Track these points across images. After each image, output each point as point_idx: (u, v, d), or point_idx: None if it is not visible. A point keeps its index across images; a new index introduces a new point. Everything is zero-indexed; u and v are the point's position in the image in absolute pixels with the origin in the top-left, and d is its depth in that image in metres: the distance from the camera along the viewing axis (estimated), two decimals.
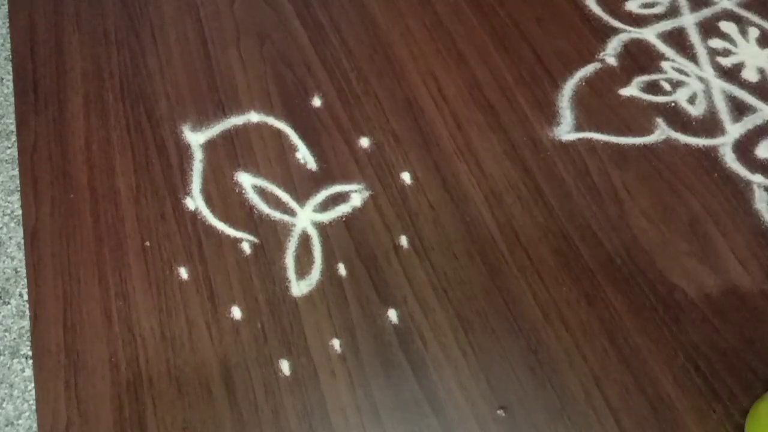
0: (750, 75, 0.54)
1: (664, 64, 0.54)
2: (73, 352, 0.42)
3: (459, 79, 0.54)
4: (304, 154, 0.50)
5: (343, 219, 0.47)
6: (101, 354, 0.42)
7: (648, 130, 0.51)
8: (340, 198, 0.48)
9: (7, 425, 0.40)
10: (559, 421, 0.39)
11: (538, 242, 0.45)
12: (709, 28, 0.57)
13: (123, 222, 0.47)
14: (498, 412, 0.40)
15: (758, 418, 0.37)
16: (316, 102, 0.52)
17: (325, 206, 0.47)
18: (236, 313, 0.43)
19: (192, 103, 0.52)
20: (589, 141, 0.50)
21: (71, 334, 0.42)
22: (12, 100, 0.53)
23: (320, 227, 0.46)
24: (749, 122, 0.51)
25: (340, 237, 0.46)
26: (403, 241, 0.45)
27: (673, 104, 0.52)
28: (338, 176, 0.49)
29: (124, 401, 0.40)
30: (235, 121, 0.52)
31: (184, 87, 0.53)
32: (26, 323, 0.43)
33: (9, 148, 0.51)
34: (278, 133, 0.51)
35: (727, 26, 0.57)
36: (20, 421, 0.40)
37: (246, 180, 0.48)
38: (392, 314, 0.43)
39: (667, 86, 0.53)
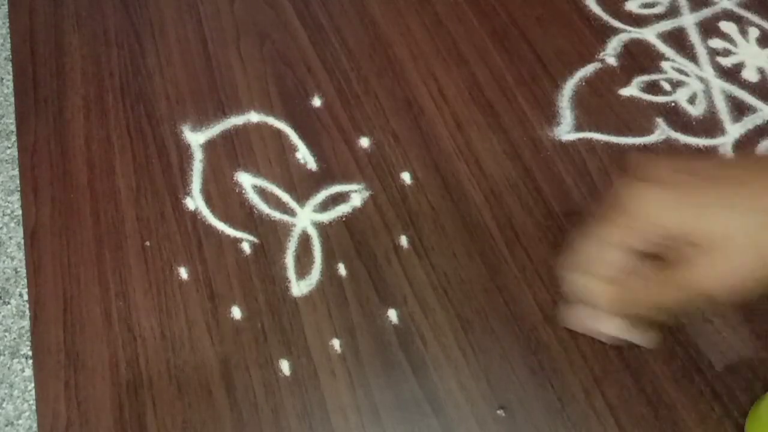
0: (750, 75, 0.54)
1: (664, 64, 0.54)
2: (73, 352, 0.42)
3: (459, 79, 0.54)
4: (304, 154, 0.50)
5: (343, 219, 0.47)
6: (101, 354, 0.42)
7: (648, 130, 0.51)
8: (340, 198, 0.48)
9: (7, 425, 0.40)
10: (559, 421, 0.39)
11: (538, 242, 0.45)
12: (709, 28, 0.57)
13: (123, 222, 0.47)
14: (498, 412, 0.40)
15: (758, 418, 0.37)
16: (316, 102, 0.52)
17: (325, 206, 0.47)
18: (236, 313, 0.43)
19: (192, 103, 0.52)
20: (589, 141, 0.50)
21: (71, 334, 0.42)
22: (12, 100, 0.53)
23: (320, 227, 0.46)
24: (749, 122, 0.51)
25: (340, 237, 0.46)
26: (403, 241, 0.45)
27: (673, 104, 0.52)
28: (338, 176, 0.49)
29: (124, 401, 0.40)
30: (235, 121, 0.52)
31: (184, 87, 0.53)
32: (26, 323, 0.43)
33: (9, 148, 0.51)
34: (278, 133, 0.51)
35: (727, 26, 0.57)
36: (20, 421, 0.40)
37: (246, 180, 0.48)
38: (392, 314, 0.43)
39: (667, 86, 0.53)
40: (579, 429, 0.39)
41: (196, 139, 0.51)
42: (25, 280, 0.45)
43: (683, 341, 0.42)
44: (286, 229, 0.46)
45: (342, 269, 0.44)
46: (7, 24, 0.58)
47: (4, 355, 0.42)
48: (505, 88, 0.53)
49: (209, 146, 0.50)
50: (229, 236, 0.46)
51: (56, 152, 0.50)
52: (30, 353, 0.42)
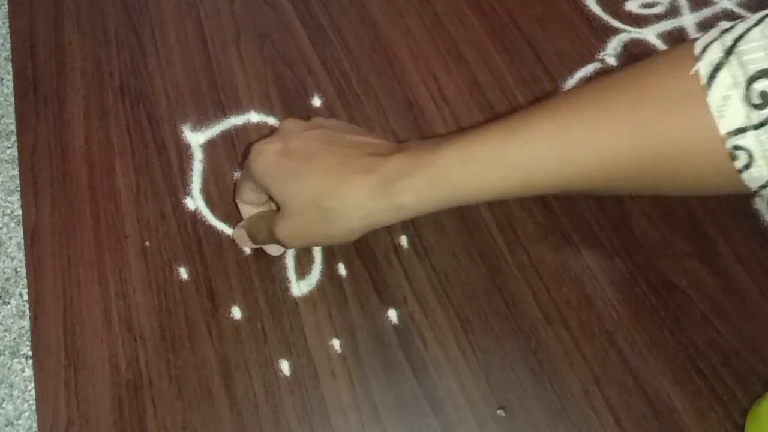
0: None
1: None
2: (73, 352, 0.42)
3: (459, 80, 0.54)
4: None
5: None
6: (101, 354, 0.42)
7: None
8: None
9: (7, 425, 0.40)
10: (559, 421, 0.39)
11: (538, 242, 0.45)
12: (709, 28, 0.57)
13: (123, 222, 0.47)
14: (498, 412, 0.40)
15: (758, 418, 0.37)
16: (316, 102, 0.52)
17: None
18: (236, 313, 0.43)
19: (192, 103, 0.52)
20: None
21: (71, 334, 0.42)
22: (12, 100, 0.53)
23: None
24: None
25: None
26: (403, 241, 0.45)
27: None
28: None
29: (124, 401, 0.40)
30: (235, 121, 0.52)
31: (184, 87, 0.53)
32: (26, 323, 0.43)
33: (9, 148, 0.51)
34: None
35: None
36: (20, 421, 0.40)
37: None
38: (392, 314, 0.43)
39: None
40: (579, 429, 0.39)
41: (196, 139, 0.51)
42: (25, 280, 0.45)
43: (683, 341, 0.42)
44: None
45: (342, 269, 0.44)
46: (7, 24, 0.58)
47: (4, 355, 0.42)
48: (505, 88, 0.53)
49: (209, 146, 0.50)
50: (229, 236, 0.46)
51: (56, 152, 0.50)
52: (30, 353, 0.42)
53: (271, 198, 0.41)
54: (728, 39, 0.31)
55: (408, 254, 0.45)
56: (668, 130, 0.32)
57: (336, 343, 0.42)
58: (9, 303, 0.44)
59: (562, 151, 0.34)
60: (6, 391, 0.41)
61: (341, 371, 0.41)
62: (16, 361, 0.42)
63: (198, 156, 0.50)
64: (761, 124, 0.30)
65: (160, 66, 0.55)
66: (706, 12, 0.58)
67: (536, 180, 0.35)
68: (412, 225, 0.46)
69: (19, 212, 0.48)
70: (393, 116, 0.52)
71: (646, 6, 0.58)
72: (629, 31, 0.57)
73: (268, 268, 0.45)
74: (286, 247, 0.42)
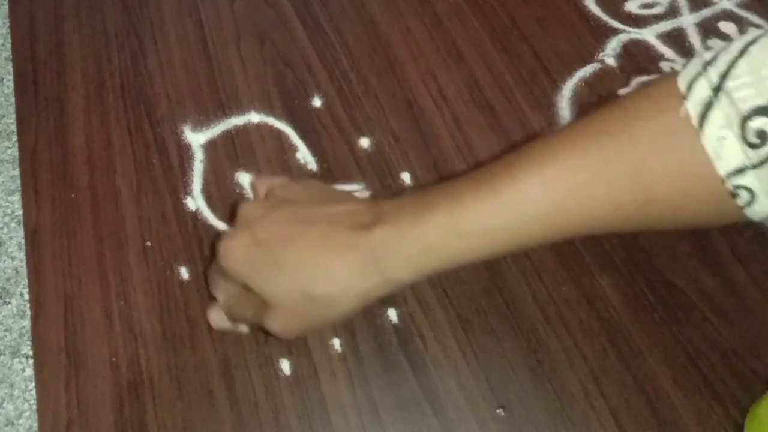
0: None
1: (664, 65, 0.54)
2: (73, 352, 0.42)
3: (459, 79, 0.54)
4: (304, 155, 0.50)
5: None
6: (102, 354, 0.42)
7: None
8: None
9: (7, 425, 0.40)
10: (559, 421, 0.39)
11: None
12: (708, 29, 0.57)
13: (124, 222, 0.47)
14: (498, 411, 0.40)
15: (758, 419, 0.37)
16: (316, 102, 0.52)
17: None
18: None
19: (192, 103, 0.52)
20: None
21: (72, 334, 0.42)
22: (12, 100, 0.53)
23: None
24: None
25: None
26: None
27: None
28: (338, 176, 0.49)
29: (125, 401, 0.40)
30: (236, 121, 0.52)
31: (184, 87, 0.53)
32: (26, 323, 0.43)
33: (9, 148, 0.51)
34: (278, 134, 0.51)
35: (727, 26, 0.57)
36: (20, 421, 0.40)
37: (246, 180, 0.48)
38: (392, 314, 0.43)
39: None
40: (579, 429, 0.39)
41: (196, 139, 0.51)
42: (26, 280, 0.45)
43: (683, 341, 0.42)
44: None
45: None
46: (7, 24, 0.58)
47: (5, 354, 0.42)
48: (505, 88, 0.53)
49: (210, 146, 0.50)
50: None
51: (57, 152, 0.50)
52: (30, 353, 0.42)
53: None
54: (714, 75, 0.30)
55: None
56: (664, 174, 0.31)
57: (336, 343, 0.42)
58: (9, 303, 0.44)
59: (551, 207, 0.33)
60: (6, 390, 0.41)
61: (341, 371, 0.41)
62: (16, 360, 0.42)
63: (198, 156, 0.50)
64: (761, 163, 0.29)
65: (160, 66, 0.55)
66: (706, 12, 0.58)
67: (529, 237, 0.34)
68: None
69: (20, 212, 0.48)
70: (393, 116, 0.52)
71: (645, 6, 0.58)
72: (629, 32, 0.57)
73: None
74: (283, 339, 0.40)
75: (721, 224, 0.34)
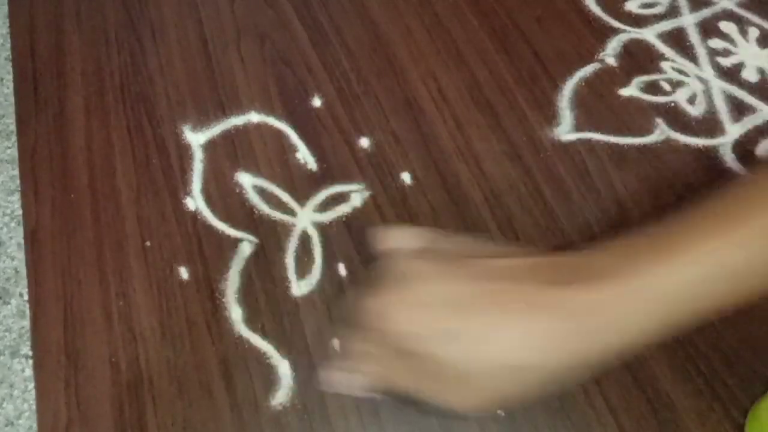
0: (750, 75, 0.54)
1: (664, 65, 0.54)
2: (73, 352, 0.42)
3: (459, 80, 0.54)
4: (304, 155, 0.50)
5: (344, 219, 0.47)
6: (101, 354, 0.42)
7: (648, 131, 0.51)
8: (340, 198, 0.48)
9: (7, 425, 0.40)
10: (559, 421, 0.39)
11: (538, 242, 0.45)
12: (709, 28, 0.57)
13: (123, 222, 0.47)
14: (498, 411, 0.40)
15: (758, 418, 0.37)
16: (316, 102, 0.52)
17: (325, 206, 0.47)
18: (236, 312, 0.43)
19: (192, 103, 0.52)
20: (589, 141, 0.50)
21: (71, 334, 0.42)
22: (12, 100, 0.53)
23: (320, 227, 0.46)
24: (749, 122, 0.51)
25: (341, 237, 0.46)
26: None
27: (672, 104, 0.52)
28: (338, 176, 0.49)
29: (124, 401, 0.40)
30: (236, 121, 0.52)
31: (184, 87, 0.53)
32: (26, 323, 0.43)
33: (9, 148, 0.51)
34: (278, 134, 0.51)
35: (727, 26, 0.57)
36: (20, 421, 0.40)
37: (246, 180, 0.48)
38: None
39: (666, 86, 0.53)
40: (579, 429, 0.39)
41: (196, 139, 0.51)
42: (25, 280, 0.45)
43: (683, 341, 0.42)
44: (286, 229, 0.46)
45: (342, 269, 0.44)
46: (7, 24, 0.58)
47: (4, 355, 0.42)
48: (505, 88, 0.53)
49: (210, 146, 0.50)
50: (229, 236, 0.46)
51: (56, 152, 0.50)
52: (30, 353, 0.42)
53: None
54: None
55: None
56: None
57: (336, 343, 0.42)
58: (9, 303, 0.44)
59: None
60: (6, 391, 0.41)
61: None
62: (16, 361, 0.42)
63: (198, 156, 0.50)
64: None
65: (160, 66, 0.55)
66: (706, 12, 0.58)
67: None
68: (412, 225, 0.46)
69: (20, 212, 0.48)
70: (393, 116, 0.52)
71: (645, 6, 0.58)
72: (629, 32, 0.57)
73: (268, 268, 0.45)
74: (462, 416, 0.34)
75: None
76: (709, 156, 0.49)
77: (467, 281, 0.30)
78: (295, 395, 0.40)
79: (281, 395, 0.40)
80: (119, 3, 0.59)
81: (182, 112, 0.52)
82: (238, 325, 0.42)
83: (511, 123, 0.51)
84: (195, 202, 0.48)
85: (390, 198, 0.47)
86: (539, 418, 0.39)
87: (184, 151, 0.50)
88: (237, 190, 0.48)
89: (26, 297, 0.44)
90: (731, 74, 0.54)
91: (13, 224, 0.47)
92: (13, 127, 0.52)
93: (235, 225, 0.46)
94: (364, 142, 0.50)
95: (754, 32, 0.56)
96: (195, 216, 0.47)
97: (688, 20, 0.57)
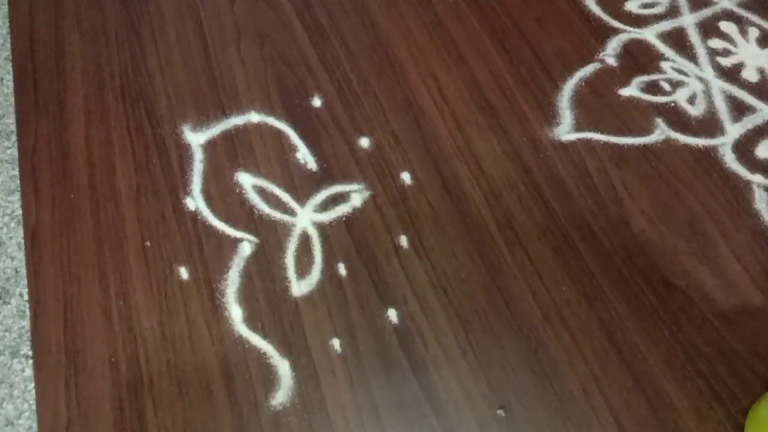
0: (750, 75, 0.54)
1: (664, 65, 0.54)
2: (73, 352, 0.42)
3: (459, 80, 0.54)
4: (304, 154, 0.50)
5: (343, 219, 0.47)
6: (101, 354, 0.42)
7: (648, 130, 0.51)
8: (340, 198, 0.48)
9: (7, 425, 0.40)
10: (559, 421, 0.39)
11: (538, 242, 0.45)
12: (709, 28, 0.57)
13: (123, 222, 0.47)
14: (498, 412, 0.40)
15: (758, 418, 0.37)
16: (316, 102, 0.52)
17: (325, 206, 0.47)
18: (236, 312, 0.43)
19: (192, 103, 0.52)
20: (589, 141, 0.50)
21: (71, 334, 0.42)
22: (12, 100, 0.53)
23: (320, 227, 0.46)
24: (749, 122, 0.51)
25: (341, 237, 0.46)
26: (403, 241, 0.46)
27: (672, 104, 0.52)
28: (338, 176, 0.49)
29: (124, 401, 0.40)
30: (236, 121, 0.52)
31: (184, 87, 0.53)
32: (26, 323, 0.43)
33: (9, 148, 0.51)
34: (278, 133, 0.51)
35: (727, 26, 0.57)
36: (20, 421, 0.40)
37: (246, 180, 0.48)
38: (392, 314, 0.43)
39: (666, 86, 0.53)
40: (579, 429, 0.39)
41: (196, 139, 0.51)
42: (25, 280, 0.45)
43: (683, 341, 0.42)
44: (286, 229, 0.46)
45: (342, 269, 0.45)
46: (7, 24, 0.58)
47: (4, 355, 0.42)
48: (505, 88, 0.53)
49: (209, 146, 0.50)
50: (229, 236, 0.46)
51: (56, 152, 0.50)
52: (30, 353, 0.42)
53: None
54: None
55: (408, 254, 0.45)
56: None
57: (336, 343, 0.42)
58: (9, 303, 0.44)
59: None
60: (6, 391, 0.41)
61: (341, 371, 0.41)
62: (16, 361, 0.42)
63: (198, 156, 0.50)
64: None
65: (160, 66, 0.55)
66: (706, 12, 0.58)
67: None
68: (412, 225, 0.46)
69: (20, 212, 0.48)
70: (393, 116, 0.52)
71: (645, 6, 0.58)
72: (629, 32, 0.57)
73: (268, 268, 0.45)
74: None
75: None
76: (709, 156, 0.49)
77: None
78: (295, 395, 0.40)
79: (281, 395, 0.40)
80: (119, 3, 0.59)
81: (182, 112, 0.52)
82: (238, 325, 0.42)
83: (511, 123, 0.51)
84: (195, 202, 0.48)
85: (390, 198, 0.47)
86: (539, 418, 0.39)
87: (184, 151, 0.50)
88: (237, 190, 0.48)
89: (26, 297, 0.44)
90: (731, 74, 0.54)
91: (13, 224, 0.47)
92: (13, 127, 0.52)
93: (235, 225, 0.46)
94: (364, 142, 0.50)
95: (754, 32, 0.57)
96: (195, 216, 0.47)
97: (688, 20, 0.57)
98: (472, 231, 0.46)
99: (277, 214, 0.47)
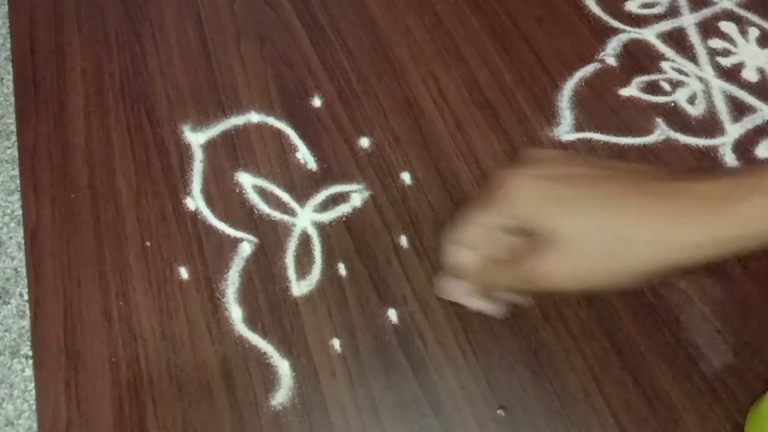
0: (750, 75, 0.54)
1: (664, 65, 0.54)
2: (73, 352, 0.42)
3: (459, 80, 0.54)
4: (304, 154, 0.50)
5: (343, 219, 0.47)
6: (101, 354, 0.42)
7: (648, 131, 0.51)
8: (340, 198, 0.48)
9: (7, 425, 0.40)
10: (559, 421, 0.39)
11: None
12: (709, 28, 0.57)
13: (123, 222, 0.47)
14: (498, 412, 0.40)
15: (758, 418, 0.37)
16: (316, 102, 0.52)
17: (325, 206, 0.47)
18: (236, 312, 0.43)
19: (192, 103, 0.52)
20: (589, 141, 0.50)
21: (71, 334, 0.42)
22: (12, 100, 0.53)
23: (320, 227, 0.46)
24: (749, 122, 0.51)
25: (341, 237, 0.46)
26: (403, 241, 0.46)
27: (672, 104, 0.52)
28: (338, 176, 0.49)
29: (124, 401, 0.40)
30: (236, 121, 0.52)
31: (184, 87, 0.53)
32: (26, 323, 0.43)
33: (9, 148, 0.51)
34: (278, 133, 0.51)
35: (727, 26, 0.57)
36: (20, 421, 0.40)
37: (246, 180, 0.48)
38: (392, 314, 0.43)
39: (666, 86, 0.53)
40: (579, 429, 0.39)
41: (196, 139, 0.51)
42: (25, 280, 0.45)
43: (683, 341, 0.42)
44: (286, 229, 0.46)
45: (342, 269, 0.45)
46: (7, 24, 0.58)
47: (4, 355, 0.42)
48: (505, 88, 0.53)
49: (209, 146, 0.50)
50: (229, 236, 0.46)
51: (56, 152, 0.50)
52: (30, 353, 0.42)
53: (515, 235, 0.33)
54: None
55: (408, 254, 0.45)
56: None
57: (336, 343, 0.42)
58: (9, 303, 0.44)
59: None
60: (6, 391, 0.41)
61: (341, 371, 0.41)
62: (16, 361, 0.42)
63: (198, 156, 0.50)
64: None
65: (160, 66, 0.55)
66: (706, 12, 0.58)
67: None
68: (412, 225, 0.46)
69: (19, 212, 0.48)
70: (393, 116, 0.52)
71: (645, 6, 0.58)
72: (629, 32, 0.57)
73: (268, 268, 0.45)
74: (548, 290, 0.33)
75: None
76: (709, 156, 0.49)
77: (590, 167, 0.32)
78: (295, 395, 0.40)
79: (281, 395, 0.40)
80: (119, 3, 0.59)
81: (182, 112, 0.52)
82: (238, 325, 0.42)
83: (511, 123, 0.51)
84: (195, 202, 0.48)
85: (390, 198, 0.47)
86: (539, 418, 0.39)
87: (184, 151, 0.50)
88: (237, 190, 0.48)
89: (26, 297, 0.44)
90: (731, 74, 0.54)
91: (13, 224, 0.47)
92: (13, 127, 0.52)
93: (235, 225, 0.46)
94: (364, 142, 0.50)
95: (754, 32, 0.57)
96: (195, 216, 0.47)
97: (688, 20, 0.57)
98: None
99: (277, 214, 0.47)
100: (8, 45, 0.57)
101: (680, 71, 0.54)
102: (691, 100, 0.52)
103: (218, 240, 0.46)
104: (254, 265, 0.45)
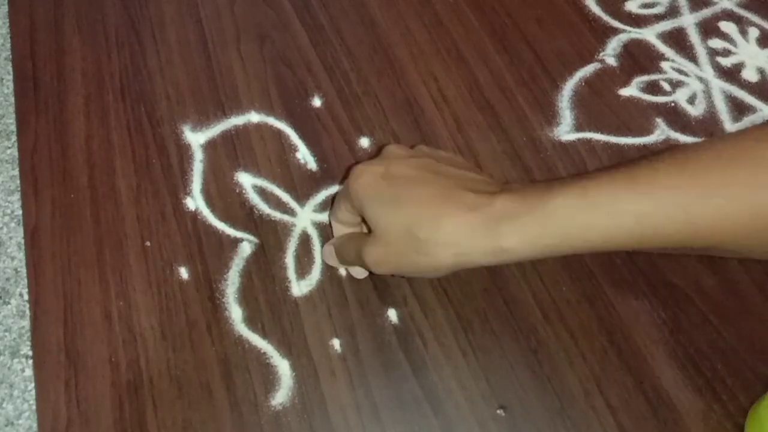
0: (750, 75, 0.54)
1: (664, 65, 0.54)
2: (73, 352, 0.42)
3: (459, 80, 0.54)
4: (304, 154, 0.50)
5: None
6: (101, 354, 0.42)
7: (648, 131, 0.51)
8: None
9: (7, 425, 0.40)
10: (559, 421, 0.39)
11: None
12: (709, 28, 0.57)
13: (123, 222, 0.47)
14: (498, 412, 0.40)
15: (758, 418, 0.37)
16: (316, 102, 0.52)
17: (325, 206, 0.47)
18: (236, 312, 0.43)
19: (192, 103, 0.52)
20: (589, 141, 0.50)
21: (71, 334, 0.42)
22: (12, 100, 0.53)
23: (321, 227, 0.46)
24: (749, 122, 0.51)
25: None
26: None
27: (672, 104, 0.52)
28: (338, 176, 0.49)
29: (124, 401, 0.40)
30: (236, 121, 0.52)
31: (184, 87, 0.53)
32: (26, 323, 0.43)
33: (9, 148, 0.51)
34: (278, 133, 0.51)
35: (727, 26, 0.57)
36: (20, 421, 0.40)
37: (246, 180, 0.48)
38: (392, 314, 0.43)
39: (666, 86, 0.53)
40: (579, 429, 0.39)
41: (196, 139, 0.51)
42: (25, 280, 0.45)
43: (683, 341, 0.42)
44: (286, 229, 0.46)
45: (342, 269, 0.44)
46: (7, 24, 0.58)
47: (4, 355, 0.42)
48: (505, 88, 0.53)
49: (209, 146, 0.50)
50: (229, 236, 0.46)
51: (56, 152, 0.50)
52: (30, 353, 0.42)
53: (364, 221, 0.40)
54: None
55: None
56: None
57: (336, 343, 0.42)
58: (9, 303, 0.44)
59: (689, 204, 0.32)
60: (6, 391, 0.41)
61: (341, 371, 0.41)
62: (16, 361, 0.42)
63: (198, 156, 0.50)
64: None
65: (160, 66, 0.55)
66: (706, 12, 0.58)
67: (655, 232, 0.33)
68: None
69: (19, 212, 0.48)
70: (393, 116, 0.52)
71: (645, 6, 0.58)
72: (629, 32, 0.57)
73: (268, 268, 0.45)
74: (372, 272, 0.40)
75: None
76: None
77: (426, 171, 0.37)
78: (295, 395, 0.40)
79: (281, 395, 0.40)
80: (119, 3, 0.59)
81: (182, 112, 0.52)
82: (238, 325, 0.42)
83: (511, 123, 0.51)
84: (195, 202, 0.48)
85: None
86: (539, 418, 0.39)
87: (184, 151, 0.50)
88: (237, 190, 0.48)
89: (26, 297, 0.44)
90: (731, 74, 0.54)
91: (13, 224, 0.47)
92: (13, 127, 0.52)
93: (235, 225, 0.46)
94: (364, 142, 0.50)
95: (754, 32, 0.57)
96: (195, 216, 0.47)
97: (688, 20, 0.58)
98: None
99: (277, 214, 0.47)
100: (8, 45, 0.57)
101: (680, 71, 0.54)
102: (691, 100, 0.52)
103: (218, 240, 0.46)
104: (254, 265, 0.45)
